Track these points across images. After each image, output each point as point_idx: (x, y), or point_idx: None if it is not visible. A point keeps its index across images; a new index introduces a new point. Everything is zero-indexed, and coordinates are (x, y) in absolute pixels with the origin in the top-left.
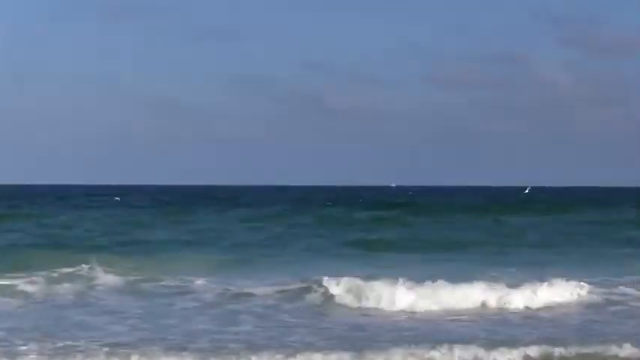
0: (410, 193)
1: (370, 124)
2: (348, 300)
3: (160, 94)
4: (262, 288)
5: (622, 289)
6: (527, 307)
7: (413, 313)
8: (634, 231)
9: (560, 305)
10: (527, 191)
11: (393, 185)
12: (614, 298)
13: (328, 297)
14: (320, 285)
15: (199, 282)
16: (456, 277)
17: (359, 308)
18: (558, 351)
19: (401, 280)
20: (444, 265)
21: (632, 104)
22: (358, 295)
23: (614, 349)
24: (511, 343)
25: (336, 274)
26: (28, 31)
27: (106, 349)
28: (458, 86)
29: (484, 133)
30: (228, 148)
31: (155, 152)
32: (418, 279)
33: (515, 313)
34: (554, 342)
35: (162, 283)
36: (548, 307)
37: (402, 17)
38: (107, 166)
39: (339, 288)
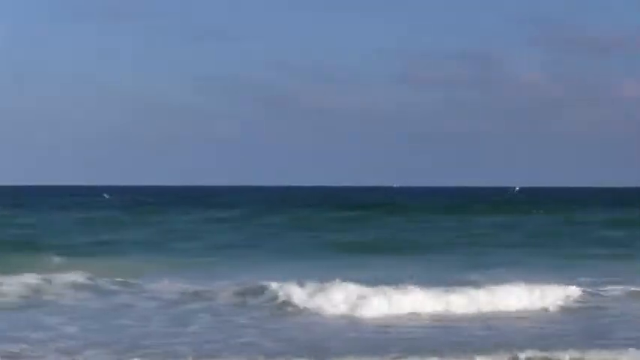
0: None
1: (351, 125)
2: (301, 304)
3: (157, 94)
4: (218, 290)
5: (589, 290)
6: (480, 311)
7: (361, 318)
8: (607, 231)
9: (520, 310)
10: (516, 189)
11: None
12: (581, 300)
13: (280, 300)
14: (273, 288)
15: (159, 283)
16: (421, 280)
17: (310, 312)
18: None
19: (366, 285)
20: (407, 267)
21: (609, 104)
22: (312, 299)
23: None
24: (459, 349)
25: (298, 276)
26: (28, 31)
27: (54, 355)
28: (433, 86)
29: (464, 133)
30: (225, 148)
31: (152, 153)
32: (380, 281)
33: (464, 317)
34: (506, 347)
35: (123, 283)
36: (502, 312)
37: (401, 17)
38: (107, 166)
39: (292, 291)
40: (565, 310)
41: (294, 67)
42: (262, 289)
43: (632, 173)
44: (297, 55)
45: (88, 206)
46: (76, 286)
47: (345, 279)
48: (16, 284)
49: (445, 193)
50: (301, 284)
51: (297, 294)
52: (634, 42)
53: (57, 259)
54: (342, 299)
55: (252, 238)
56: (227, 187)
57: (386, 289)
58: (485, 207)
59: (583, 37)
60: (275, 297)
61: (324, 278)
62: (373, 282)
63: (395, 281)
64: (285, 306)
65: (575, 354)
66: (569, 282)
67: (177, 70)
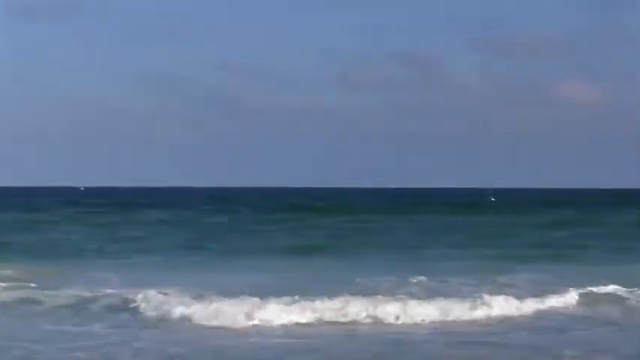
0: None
1: (293, 125)
2: (199, 315)
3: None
4: (124, 294)
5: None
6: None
7: (257, 328)
8: (549, 232)
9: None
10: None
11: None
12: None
13: (174, 309)
14: (165, 297)
15: (66, 288)
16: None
17: (203, 324)
18: None
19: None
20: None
21: (549, 104)
22: (208, 308)
23: None
24: None
25: (214, 281)
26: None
27: None
28: (373, 87)
29: (404, 134)
30: (167, 149)
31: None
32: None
33: (364, 326)
34: None
35: (29, 288)
36: (368, 322)
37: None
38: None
39: (161, 301)
40: (472, 318)
41: (235, 67)
42: (162, 297)
43: (578, 174)
44: (239, 56)
45: (33, 208)
46: None
47: (251, 284)
48: None
49: (410, 194)
50: (199, 293)
51: (191, 303)
52: (573, 43)
53: None
54: (238, 310)
55: (186, 241)
56: (169, 188)
57: (287, 299)
58: (437, 208)
59: (521, 38)
60: (167, 306)
61: (232, 284)
62: (289, 290)
63: (305, 288)
64: (182, 315)
65: None
66: (488, 287)
67: (119, 69)
